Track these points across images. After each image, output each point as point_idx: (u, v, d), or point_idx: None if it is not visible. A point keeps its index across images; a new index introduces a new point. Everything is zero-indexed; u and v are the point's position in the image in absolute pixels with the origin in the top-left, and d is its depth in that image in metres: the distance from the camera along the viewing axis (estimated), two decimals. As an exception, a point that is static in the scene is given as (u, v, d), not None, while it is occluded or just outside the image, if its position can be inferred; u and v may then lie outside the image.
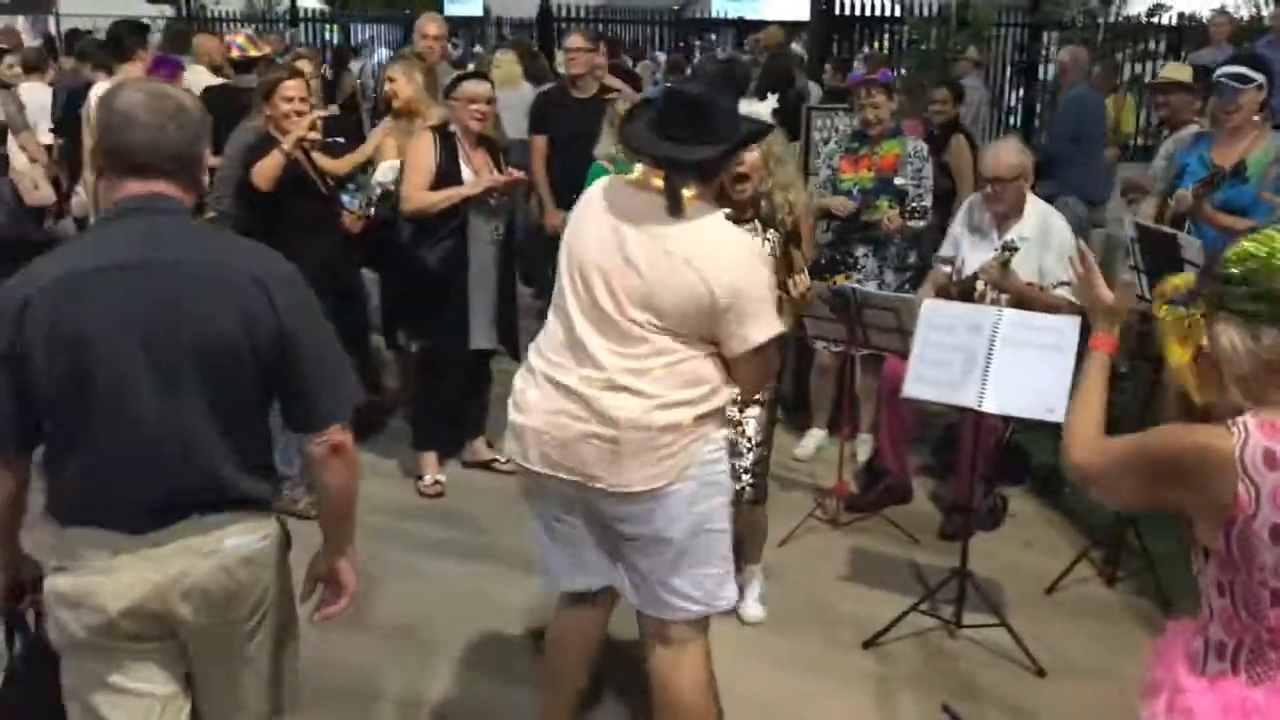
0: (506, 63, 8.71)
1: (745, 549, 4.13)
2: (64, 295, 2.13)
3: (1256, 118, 4.65)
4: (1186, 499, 1.97)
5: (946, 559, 4.35)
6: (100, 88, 6.14)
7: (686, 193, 2.72)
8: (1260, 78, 4.65)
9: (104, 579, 2.19)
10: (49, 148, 7.91)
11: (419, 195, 4.91)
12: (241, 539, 2.27)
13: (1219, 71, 4.80)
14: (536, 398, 2.85)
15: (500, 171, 5.04)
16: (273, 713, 2.49)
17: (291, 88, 4.64)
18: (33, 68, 8.40)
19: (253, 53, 6.91)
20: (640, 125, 2.83)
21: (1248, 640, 1.96)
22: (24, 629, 2.55)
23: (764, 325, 2.75)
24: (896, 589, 4.36)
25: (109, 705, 2.29)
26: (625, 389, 2.73)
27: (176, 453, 2.19)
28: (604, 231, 2.79)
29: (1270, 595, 1.91)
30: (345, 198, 4.90)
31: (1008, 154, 4.82)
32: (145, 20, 17.35)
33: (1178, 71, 6.58)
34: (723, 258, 2.72)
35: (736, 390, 2.87)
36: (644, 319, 2.73)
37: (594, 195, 2.90)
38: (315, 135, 4.70)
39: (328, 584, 2.54)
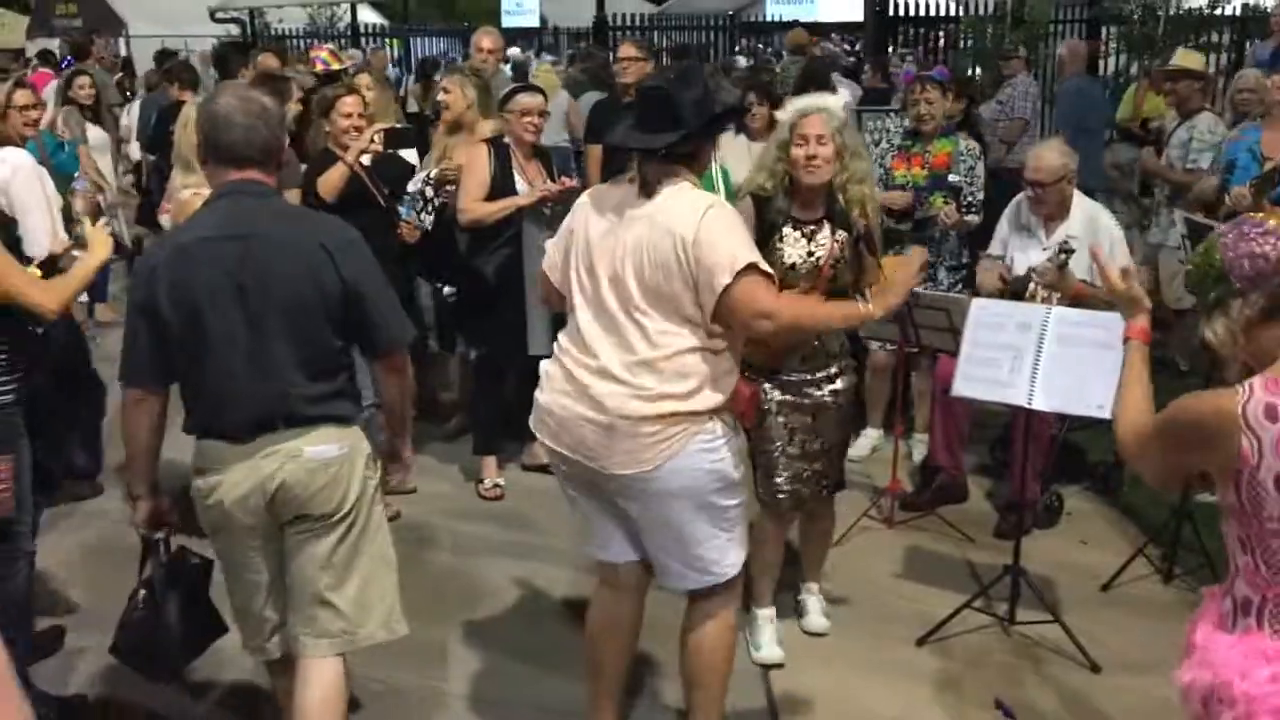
0: (543, 72, 8.95)
1: (803, 563, 4.17)
2: (180, 260, 2.77)
3: None
4: (1207, 460, 2.09)
5: (1001, 557, 4.35)
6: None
7: (672, 181, 2.97)
8: None
9: (221, 478, 2.83)
10: (138, 164, 8.14)
11: (475, 206, 5.04)
12: (320, 446, 2.84)
13: None
14: (551, 378, 3.11)
15: (554, 181, 5.15)
16: (355, 626, 2.97)
17: (349, 104, 4.80)
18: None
19: (335, 66, 7.20)
20: (619, 124, 3.17)
21: (1270, 595, 2.05)
22: (159, 552, 3.13)
23: (735, 261, 2.86)
24: (951, 587, 4.38)
25: (234, 579, 3.01)
26: (615, 379, 2.94)
27: (264, 381, 2.79)
28: (600, 228, 3.03)
29: None
30: (402, 209, 5.04)
31: (1049, 156, 4.82)
32: (221, 38, 17.75)
33: (1188, 59, 6.59)
34: (683, 205, 2.94)
35: (729, 379, 3.03)
36: (639, 298, 2.93)
37: (585, 201, 3.15)
38: (376, 148, 4.85)
39: (392, 459, 3.34)
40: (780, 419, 3.73)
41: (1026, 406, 3.88)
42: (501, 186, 5.07)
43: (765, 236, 3.63)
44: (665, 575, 3.21)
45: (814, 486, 3.84)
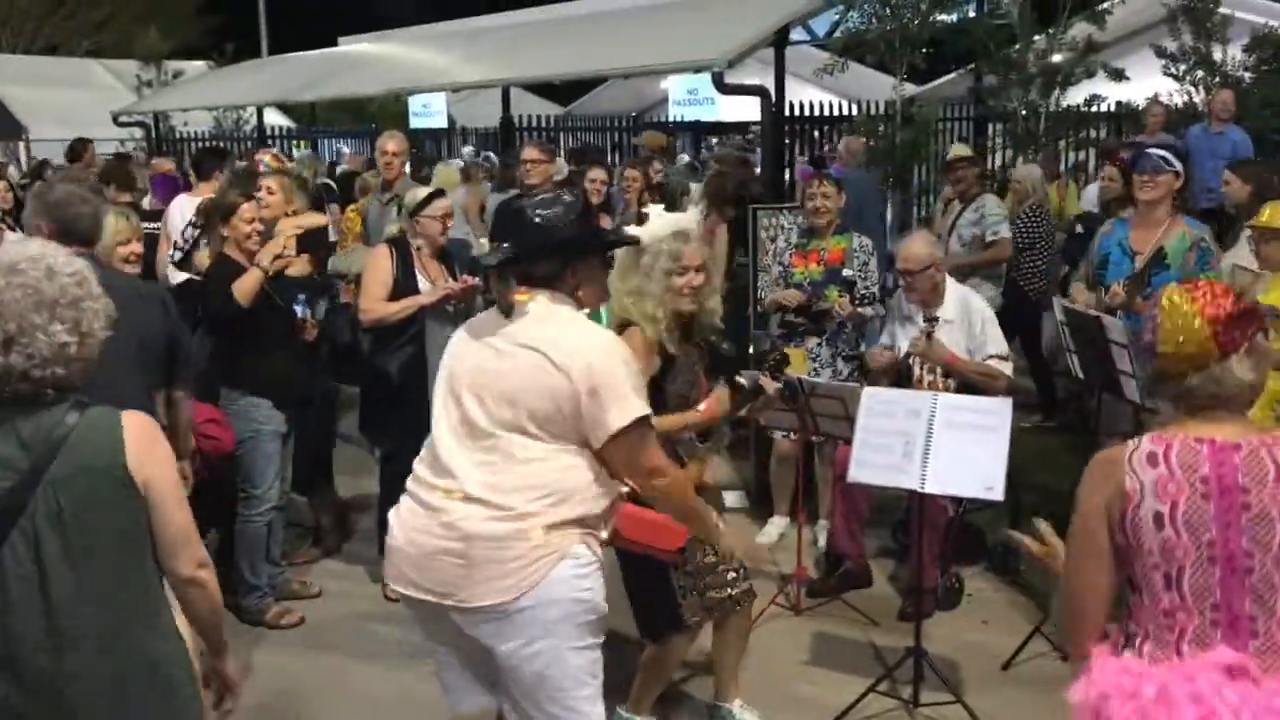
0: (445, 172, 9.31)
1: (723, 678, 4.08)
2: None
3: (1169, 206, 4.89)
4: (1108, 513, 2.24)
5: (905, 640, 4.43)
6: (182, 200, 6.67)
7: (522, 294, 2.87)
8: (1179, 167, 4.91)
9: None
10: None
11: (377, 306, 5.08)
12: None
13: (1149, 149, 5.09)
14: (402, 517, 2.92)
15: (455, 279, 5.22)
16: None
17: (249, 209, 4.84)
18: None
19: (275, 168, 7.25)
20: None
21: (1151, 628, 2.23)
22: None
23: (624, 409, 2.77)
24: (857, 671, 4.44)
25: None
26: (477, 500, 2.77)
27: None
28: (475, 350, 2.93)
29: (1162, 579, 2.21)
30: (297, 308, 5.05)
31: (916, 247, 5.12)
32: (117, 142, 17.59)
33: (963, 150, 7.45)
34: (576, 342, 2.81)
35: (602, 500, 2.87)
36: (512, 419, 2.79)
37: (461, 331, 3.06)
38: (290, 252, 4.88)
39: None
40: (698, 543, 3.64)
41: (919, 490, 3.99)
42: (404, 286, 5.12)
43: (664, 368, 3.61)
44: None
45: (738, 587, 3.83)
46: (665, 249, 3.59)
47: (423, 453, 3.00)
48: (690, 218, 4.07)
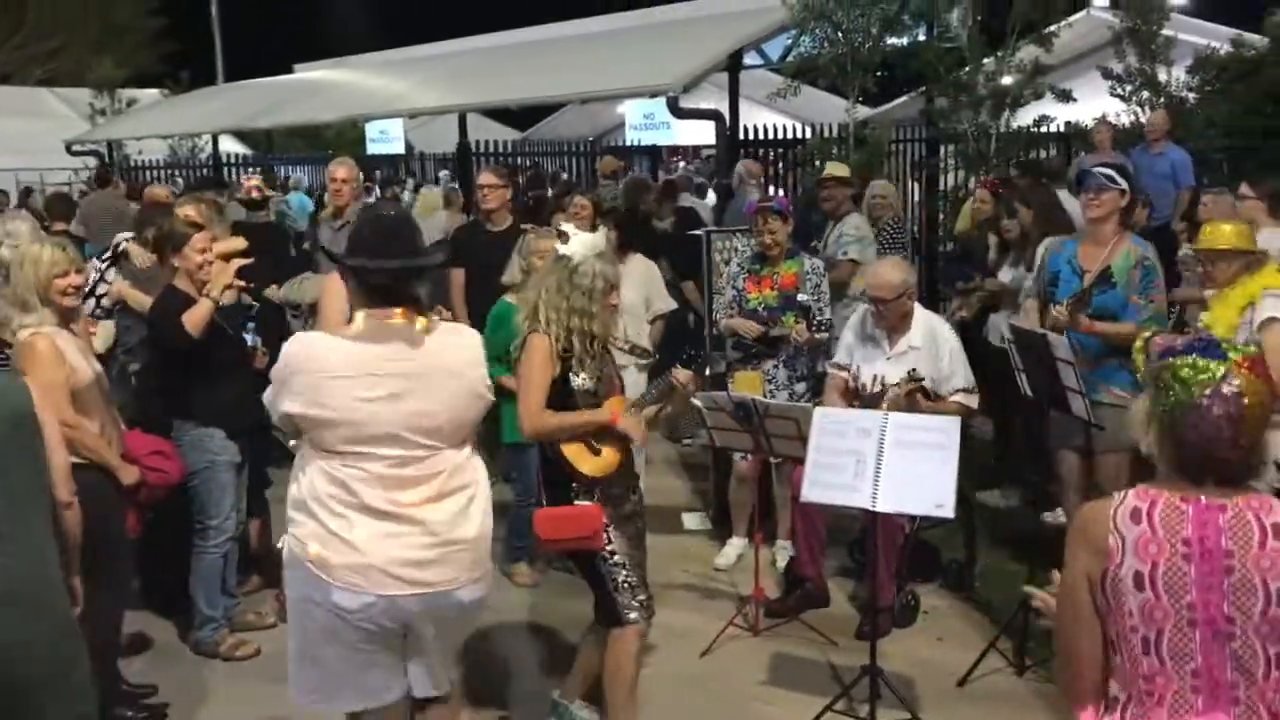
0: (426, 196, 9.32)
1: (571, 674, 4.22)
2: None
3: (1115, 223, 4.96)
4: (1089, 576, 2.18)
5: (862, 658, 4.43)
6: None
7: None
8: (1124, 185, 4.98)
9: None
10: None
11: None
12: None
13: (1092, 166, 5.16)
14: (369, 534, 3.02)
15: None
16: None
17: (201, 240, 4.81)
18: None
19: (268, 192, 7.62)
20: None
21: (1132, 691, 2.18)
22: None
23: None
24: (814, 690, 4.47)
25: None
26: (451, 506, 3.13)
27: None
28: (364, 381, 3.04)
29: (1140, 642, 2.14)
30: (247, 337, 5.04)
31: (889, 274, 5.10)
32: (78, 170, 17.39)
33: (837, 169, 7.51)
34: (474, 354, 3.25)
35: None
36: (428, 442, 3.08)
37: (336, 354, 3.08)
38: (239, 282, 4.85)
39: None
40: (618, 531, 3.90)
41: (871, 509, 4.03)
42: None
43: (564, 371, 3.88)
44: (426, 685, 3.26)
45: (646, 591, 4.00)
46: (598, 269, 3.86)
47: (339, 486, 3.05)
48: (601, 237, 4.12)
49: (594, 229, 7.24)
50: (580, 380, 3.88)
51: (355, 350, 3.03)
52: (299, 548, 3.04)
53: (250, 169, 17.55)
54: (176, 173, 17.23)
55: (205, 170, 17.26)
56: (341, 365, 3.01)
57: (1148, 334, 4.53)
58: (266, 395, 3.15)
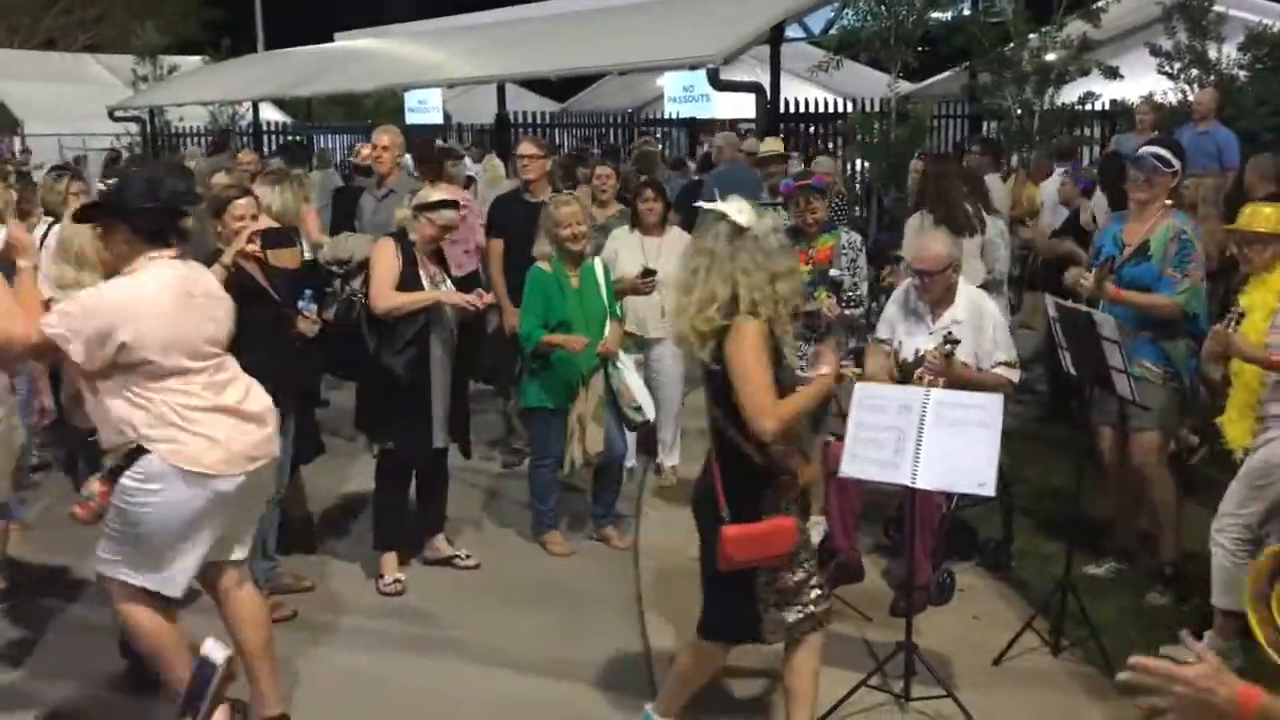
0: (494, 166, 9.42)
1: (791, 708, 3.84)
2: None
3: (1168, 201, 4.90)
4: None
5: (897, 635, 4.42)
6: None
7: None
8: (1177, 166, 4.91)
9: None
10: None
11: (392, 295, 5.11)
12: None
13: (1145, 149, 5.06)
14: (225, 430, 3.68)
15: (450, 278, 5.27)
16: None
17: (242, 206, 4.78)
18: None
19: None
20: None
21: None
22: None
23: None
24: (849, 666, 4.44)
25: None
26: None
27: None
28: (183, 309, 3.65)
29: None
30: (300, 303, 5.04)
31: (935, 247, 5.04)
32: (119, 136, 17.49)
33: (775, 145, 7.81)
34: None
35: None
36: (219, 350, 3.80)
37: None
38: (253, 248, 4.82)
39: None
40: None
41: (911, 486, 4.01)
42: (408, 279, 5.17)
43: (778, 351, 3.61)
44: (245, 548, 3.96)
45: (820, 606, 3.73)
46: (777, 227, 3.52)
47: (185, 396, 3.63)
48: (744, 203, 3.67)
49: (620, 200, 7.25)
50: (789, 358, 3.61)
51: (164, 287, 3.60)
52: (178, 458, 3.56)
53: (290, 136, 17.63)
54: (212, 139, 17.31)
55: (245, 138, 17.34)
56: (163, 299, 3.59)
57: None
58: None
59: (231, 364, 3.84)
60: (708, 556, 3.63)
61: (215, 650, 3.41)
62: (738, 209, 3.47)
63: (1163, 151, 4.96)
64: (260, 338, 4.79)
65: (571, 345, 5.47)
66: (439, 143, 11.91)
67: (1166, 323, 4.86)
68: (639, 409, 5.64)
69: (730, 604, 3.66)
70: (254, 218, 4.81)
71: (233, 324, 3.88)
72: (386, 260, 5.17)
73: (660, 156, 11.08)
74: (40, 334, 3.43)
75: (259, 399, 3.87)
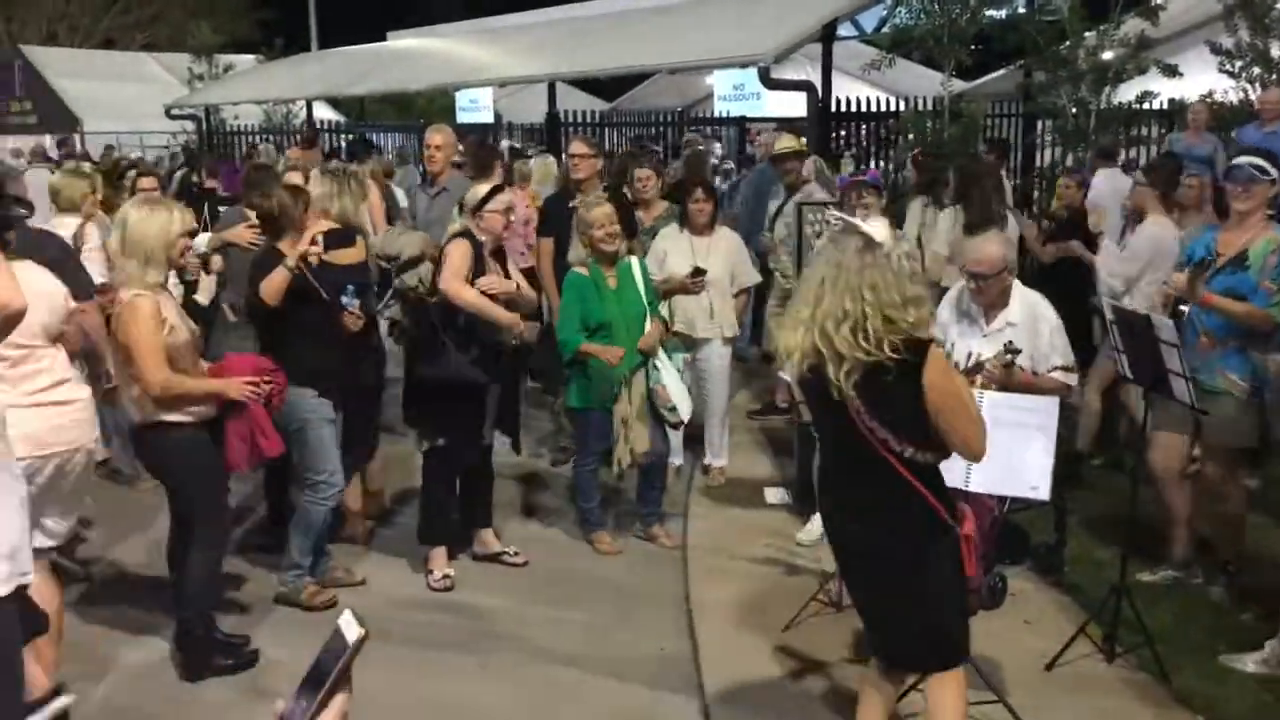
0: (545, 165, 9.49)
1: None
2: None
3: (1264, 213, 4.79)
4: None
5: (947, 639, 4.41)
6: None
7: None
8: (1275, 175, 4.79)
9: None
10: None
11: (464, 290, 5.13)
12: None
13: (1241, 158, 4.92)
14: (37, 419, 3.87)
15: (508, 276, 5.32)
16: None
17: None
18: None
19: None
20: None
21: None
22: None
23: None
24: (898, 669, 4.42)
25: None
26: None
27: None
28: None
29: None
30: (343, 299, 5.09)
31: (990, 250, 4.94)
32: (176, 134, 17.76)
33: (793, 143, 7.76)
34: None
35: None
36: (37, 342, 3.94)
37: None
38: (316, 249, 4.89)
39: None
40: None
41: (963, 488, 3.97)
42: (476, 279, 5.21)
43: None
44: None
45: None
46: (908, 259, 3.32)
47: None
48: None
49: (665, 199, 7.26)
50: None
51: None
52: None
53: (342, 135, 17.79)
54: (270, 138, 17.52)
55: (298, 137, 17.54)
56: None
57: None
58: None
59: (51, 356, 3.97)
60: (936, 578, 3.32)
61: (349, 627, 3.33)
62: (872, 225, 3.30)
63: (1259, 161, 4.84)
64: (310, 335, 4.89)
65: (607, 357, 5.49)
66: (509, 143, 12.22)
67: (1257, 335, 4.74)
68: (674, 409, 5.63)
69: (965, 613, 3.48)
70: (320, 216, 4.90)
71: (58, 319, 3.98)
72: (461, 256, 5.18)
73: (704, 156, 11.10)
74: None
75: (73, 391, 4.01)
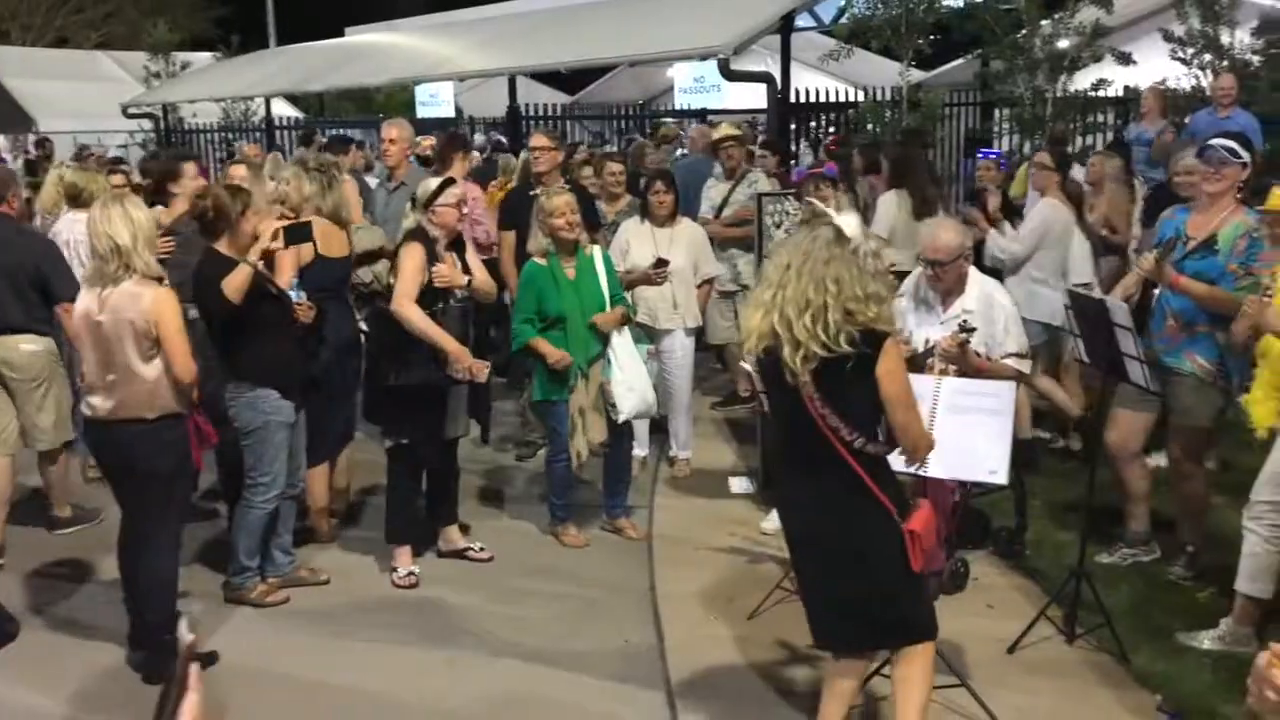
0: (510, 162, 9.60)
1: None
2: None
3: (1234, 196, 4.81)
4: None
5: (910, 624, 4.44)
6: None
7: None
8: (1246, 158, 4.82)
9: None
10: None
11: (412, 310, 5.11)
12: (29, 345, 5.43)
13: (1215, 140, 4.93)
14: None
15: (465, 268, 5.28)
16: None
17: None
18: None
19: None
20: None
21: None
22: None
23: None
24: (862, 655, 4.45)
25: None
26: None
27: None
28: None
29: None
30: (291, 293, 5.04)
31: (946, 236, 4.97)
32: (127, 134, 17.55)
33: (728, 129, 7.99)
34: None
35: None
36: None
37: None
38: (278, 245, 4.84)
39: None
40: None
41: (923, 474, 4.00)
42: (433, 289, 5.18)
43: None
44: None
45: None
46: (874, 259, 3.32)
47: None
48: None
49: (630, 192, 7.27)
50: None
51: None
52: None
53: (300, 133, 17.65)
54: (230, 135, 17.35)
55: (257, 134, 17.38)
56: None
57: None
58: None
59: None
60: (882, 569, 3.35)
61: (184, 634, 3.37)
62: (844, 219, 3.32)
63: (1230, 143, 4.87)
64: (267, 331, 4.85)
65: (554, 360, 5.46)
66: (499, 138, 12.33)
67: (1224, 318, 4.75)
68: (614, 406, 5.59)
69: (923, 599, 3.54)
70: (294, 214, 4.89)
71: None
72: (414, 267, 5.14)
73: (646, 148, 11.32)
74: None
75: None
